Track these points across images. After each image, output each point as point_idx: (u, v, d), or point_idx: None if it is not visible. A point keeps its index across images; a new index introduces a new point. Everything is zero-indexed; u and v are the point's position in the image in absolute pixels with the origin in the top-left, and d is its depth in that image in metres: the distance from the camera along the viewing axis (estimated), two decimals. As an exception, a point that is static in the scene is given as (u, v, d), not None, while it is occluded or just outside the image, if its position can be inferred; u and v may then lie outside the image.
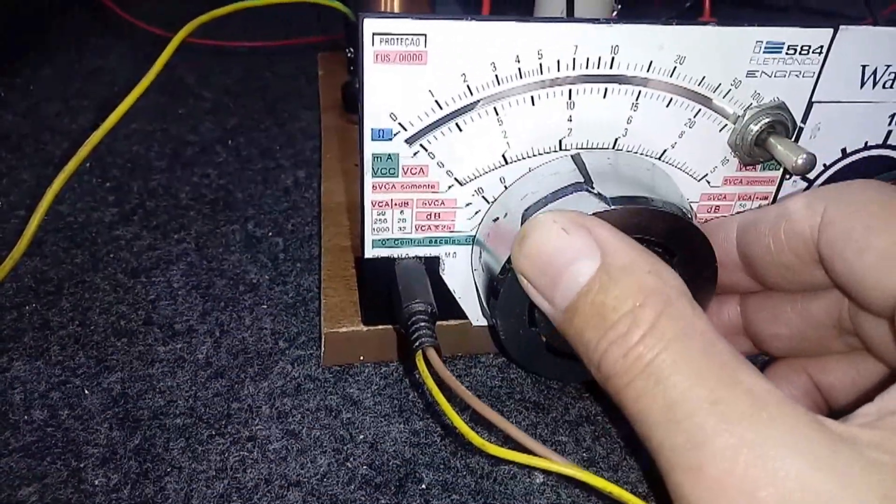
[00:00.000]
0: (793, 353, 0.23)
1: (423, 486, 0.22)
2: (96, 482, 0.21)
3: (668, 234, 0.21)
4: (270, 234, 0.33)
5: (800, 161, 0.22)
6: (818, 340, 0.22)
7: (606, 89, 0.22)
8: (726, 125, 0.23)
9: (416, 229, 0.24)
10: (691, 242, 0.22)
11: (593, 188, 0.21)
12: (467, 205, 0.23)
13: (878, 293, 0.18)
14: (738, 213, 0.25)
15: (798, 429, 0.14)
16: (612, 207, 0.20)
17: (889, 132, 0.25)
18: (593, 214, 0.20)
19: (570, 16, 0.34)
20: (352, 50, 0.39)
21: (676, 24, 0.21)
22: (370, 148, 0.22)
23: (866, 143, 0.25)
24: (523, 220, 0.22)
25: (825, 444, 0.14)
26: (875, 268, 0.18)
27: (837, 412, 0.23)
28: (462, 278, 0.25)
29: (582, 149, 0.23)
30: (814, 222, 0.20)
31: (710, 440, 0.14)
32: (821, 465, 0.14)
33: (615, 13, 0.38)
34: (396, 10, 0.38)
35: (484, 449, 0.17)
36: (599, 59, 0.21)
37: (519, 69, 0.21)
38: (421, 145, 0.22)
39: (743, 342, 0.24)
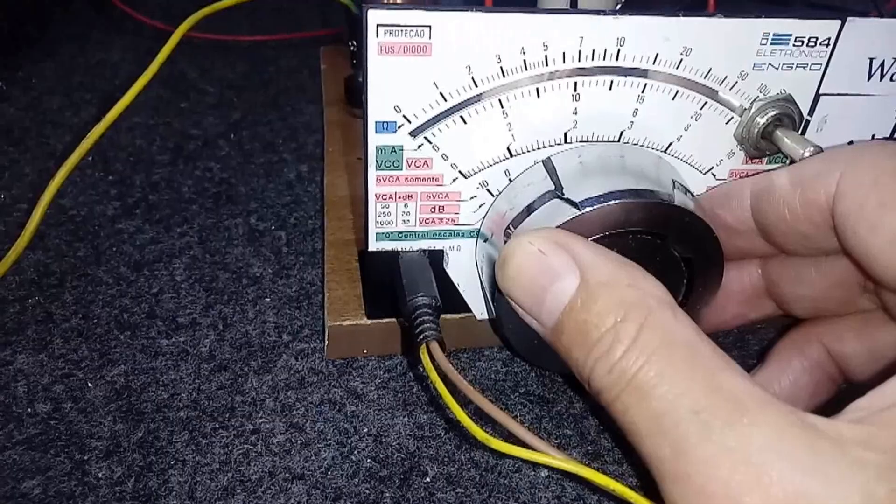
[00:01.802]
0: (818, 314, 0.23)
1: (428, 480, 0.22)
2: (100, 475, 0.21)
3: (650, 219, 0.21)
4: (273, 227, 0.33)
5: (807, 154, 0.22)
6: (842, 300, 0.22)
7: (612, 81, 0.22)
8: (732, 118, 0.23)
9: (420, 222, 0.24)
10: (678, 220, 0.21)
11: (563, 194, 0.21)
12: (472, 198, 0.23)
13: (890, 272, 0.18)
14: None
15: (781, 431, 0.14)
16: (584, 211, 0.20)
17: (896, 125, 0.25)
18: (567, 222, 0.20)
19: (573, 6, 0.34)
20: (355, 43, 0.39)
21: (683, 16, 0.21)
22: (374, 140, 0.22)
23: (873, 135, 0.25)
24: (506, 239, 0.22)
25: (808, 445, 0.14)
26: (887, 247, 0.18)
27: (853, 384, 0.23)
28: (466, 272, 0.25)
29: (587, 141, 0.22)
30: (829, 191, 0.19)
31: (694, 449, 0.15)
32: (804, 466, 0.14)
33: (619, 4, 0.38)
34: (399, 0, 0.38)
35: (488, 444, 0.17)
36: (605, 51, 0.21)
37: (524, 61, 0.21)
38: (425, 138, 0.22)
39: (766, 304, 0.24)
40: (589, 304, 0.17)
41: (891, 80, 0.23)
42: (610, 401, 0.17)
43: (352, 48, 0.40)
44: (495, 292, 0.23)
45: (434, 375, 0.19)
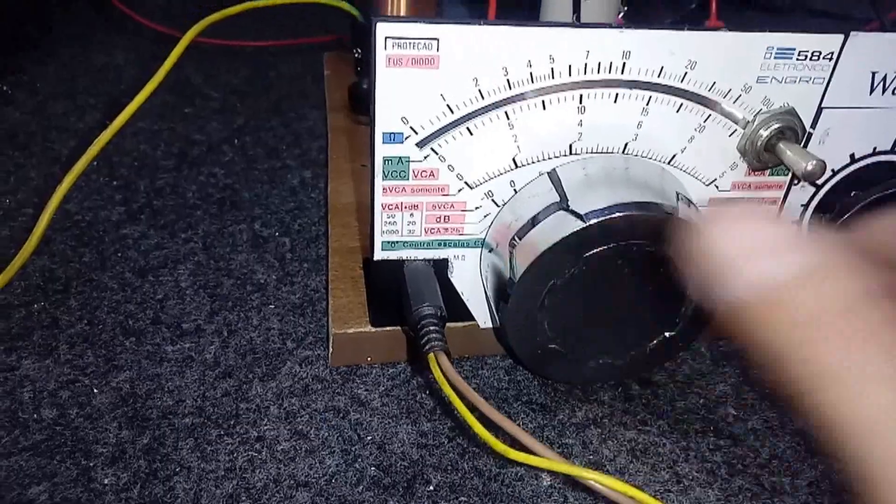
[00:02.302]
0: None
1: (431, 488, 0.22)
2: (106, 481, 0.21)
3: (654, 232, 0.21)
4: (277, 233, 0.33)
5: (809, 167, 0.22)
6: None
7: (617, 94, 0.22)
8: (736, 130, 0.23)
9: (426, 232, 0.24)
10: (679, 231, 0.21)
11: (569, 206, 0.21)
12: (477, 208, 0.23)
13: None
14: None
15: None
16: (588, 224, 0.21)
17: (897, 138, 0.25)
18: (572, 234, 0.20)
19: (576, 14, 0.34)
20: (359, 50, 0.39)
21: (688, 30, 0.21)
22: (381, 151, 0.22)
23: (875, 148, 0.25)
24: (511, 247, 0.22)
25: None
26: None
27: None
28: (470, 281, 0.25)
29: (592, 153, 0.23)
30: None
31: None
32: None
33: (622, 14, 0.38)
34: (403, 11, 0.38)
35: (506, 455, 0.18)
36: (611, 64, 0.21)
37: (530, 73, 0.21)
38: (432, 149, 0.22)
39: None
40: (814, 284, 0.16)
41: (893, 93, 0.24)
42: (823, 388, 0.15)
43: (356, 55, 0.40)
44: (499, 301, 0.23)
45: (447, 386, 0.20)
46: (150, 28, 0.51)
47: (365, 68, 0.39)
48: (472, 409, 0.20)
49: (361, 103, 0.39)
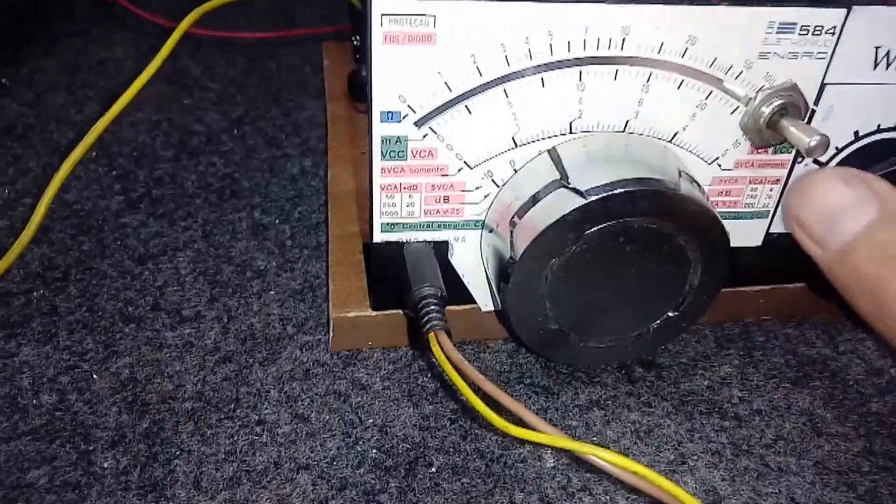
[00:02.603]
0: None
1: (433, 470, 0.22)
2: (105, 465, 0.21)
3: (656, 208, 0.21)
4: (277, 221, 0.33)
5: (812, 143, 0.22)
6: None
7: (617, 71, 0.22)
8: (738, 107, 0.23)
9: (425, 213, 0.24)
10: (684, 209, 0.21)
11: (569, 183, 0.21)
12: (477, 188, 0.23)
13: None
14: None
15: None
16: (589, 200, 0.20)
17: (902, 115, 0.25)
18: (573, 211, 0.20)
19: None
20: (357, 38, 0.39)
21: (688, 5, 0.21)
22: (379, 130, 0.22)
23: (879, 125, 0.24)
24: (511, 227, 0.22)
25: None
26: None
27: None
28: (471, 263, 0.25)
29: (592, 131, 0.22)
30: None
31: None
32: None
33: None
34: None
35: (506, 431, 0.17)
36: (610, 40, 0.21)
37: (529, 50, 0.21)
38: (430, 128, 0.22)
39: None
40: (889, 228, 0.18)
41: (896, 69, 0.23)
42: None
43: (354, 42, 0.40)
44: (500, 282, 0.23)
45: (446, 364, 0.19)
46: (150, 22, 0.51)
47: (363, 54, 0.39)
48: (474, 388, 0.19)
49: (361, 91, 0.39)
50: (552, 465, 0.22)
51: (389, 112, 0.21)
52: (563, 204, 0.21)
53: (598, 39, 0.21)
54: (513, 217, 0.22)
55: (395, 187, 0.23)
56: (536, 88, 0.21)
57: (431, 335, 0.20)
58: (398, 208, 0.23)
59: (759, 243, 0.26)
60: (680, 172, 0.22)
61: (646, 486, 0.18)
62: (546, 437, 0.17)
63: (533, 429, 0.18)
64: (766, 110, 0.23)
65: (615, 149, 0.22)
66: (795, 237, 0.21)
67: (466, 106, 0.21)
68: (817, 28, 0.22)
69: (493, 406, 0.19)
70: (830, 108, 0.24)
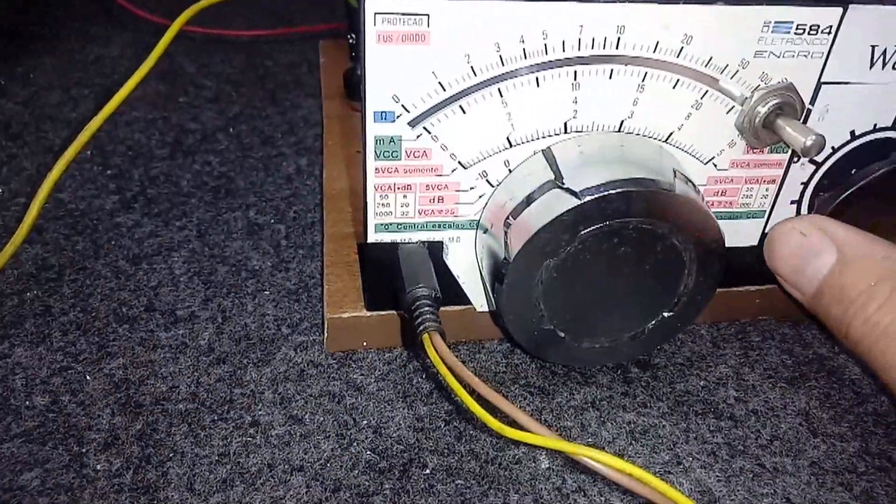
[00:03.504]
0: None
1: (428, 471, 0.22)
2: (98, 467, 0.21)
3: (651, 209, 0.21)
4: (272, 221, 0.33)
5: (808, 143, 0.21)
6: None
7: (612, 70, 0.21)
8: (733, 107, 0.23)
9: (420, 213, 0.23)
10: (679, 210, 0.21)
11: (564, 184, 0.21)
12: (471, 188, 0.23)
13: None
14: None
15: None
16: (584, 201, 0.20)
17: (898, 114, 0.24)
18: (567, 212, 0.21)
19: None
20: (353, 36, 0.39)
21: (683, 4, 0.21)
22: (373, 130, 0.21)
23: (875, 125, 0.24)
24: (505, 227, 0.22)
25: None
26: None
27: None
28: (466, 263, 0.25)
29: (587, 131, 0.22)
30: None
31: None
32: None
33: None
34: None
35: (501, 433, 0.17)
36: (605, 39, 0.21)
37: (523, 49, 0.21)
38: (424, 128, 0.22)
39: None
40: (846, 272, 0.22)
41: (893, 68, 0.23)
42: (866, 349, 0.21)
43: (350, 41, 0.40)
44: (495, 282, 0.22)
45: (441, 365, 0.19)
46: (147, 20, 0.50)
47: (358, 51, 0.39)
48: (468, 389, 0.19)
49: (357, 90, 0.39)
50: (547, 466, 0.22)
51: (383, 112, 0.21)
52: (557, 204, 0.21)
53: (593, 39, 0.21)
54: (507, 217, 0.22)
55: (389, 187, 0.23)
56: (531, 88, 0.21)
57: (425, 336, 0.20)
58: (392, 208, 0.23)
59: (755, 243, 0.26)
60: (675, 173, 0.22)
61: (640, 488, 0.18)
62: (540, 438, 0.17)
63: (527, 430, 0.18)
64: (762, 110, 0.23)
65: (610, 149, 0.22)
66: (780, 284, 0.24)
67: (461, 106, 0.21)
68: (813, 27, 0.22)
69: (488, 407, 0.19)
70: (827, 107, 0.23)
